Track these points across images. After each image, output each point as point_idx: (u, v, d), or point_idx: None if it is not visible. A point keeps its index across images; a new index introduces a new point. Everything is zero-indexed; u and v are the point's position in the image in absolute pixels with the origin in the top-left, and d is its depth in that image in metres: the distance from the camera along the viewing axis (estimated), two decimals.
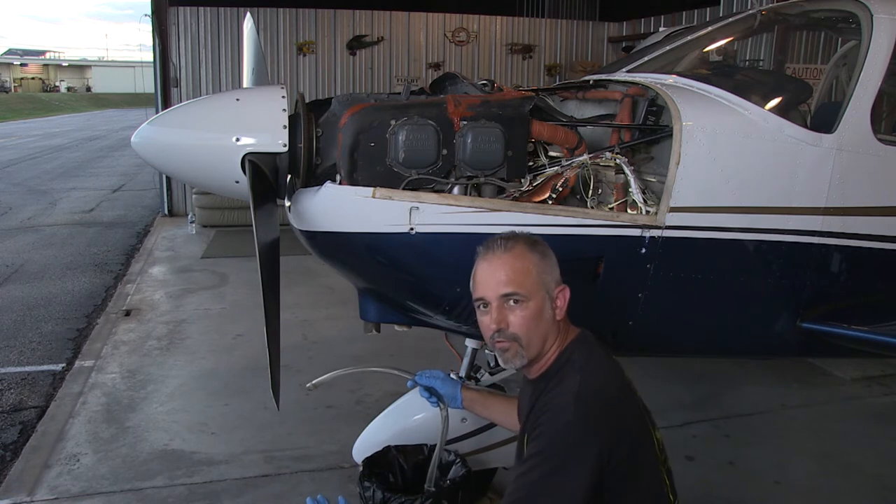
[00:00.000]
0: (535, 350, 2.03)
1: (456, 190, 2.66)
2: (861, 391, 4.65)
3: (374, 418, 3.44)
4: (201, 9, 10.30)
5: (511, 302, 2.00)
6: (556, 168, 2.77)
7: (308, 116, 2.67)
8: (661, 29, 9.15)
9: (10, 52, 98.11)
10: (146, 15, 10.28)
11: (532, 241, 2.10)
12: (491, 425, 3.03)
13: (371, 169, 2.57)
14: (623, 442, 1.83)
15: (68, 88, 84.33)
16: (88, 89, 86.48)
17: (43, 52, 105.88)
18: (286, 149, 2.59)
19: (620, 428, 1.84)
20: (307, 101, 2.75)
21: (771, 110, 2.94)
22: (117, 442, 3.82)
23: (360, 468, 2.90)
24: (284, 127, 2.59)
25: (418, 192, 2.58)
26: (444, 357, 3.36)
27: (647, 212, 2.71)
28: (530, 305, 2.00)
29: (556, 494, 1.75)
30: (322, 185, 2.62)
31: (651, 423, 2.00)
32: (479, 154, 2.61)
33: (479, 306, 2.09)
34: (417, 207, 2.55)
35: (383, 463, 2.91)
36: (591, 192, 2.74)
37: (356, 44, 11.01)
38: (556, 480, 1.76)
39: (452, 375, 3.46)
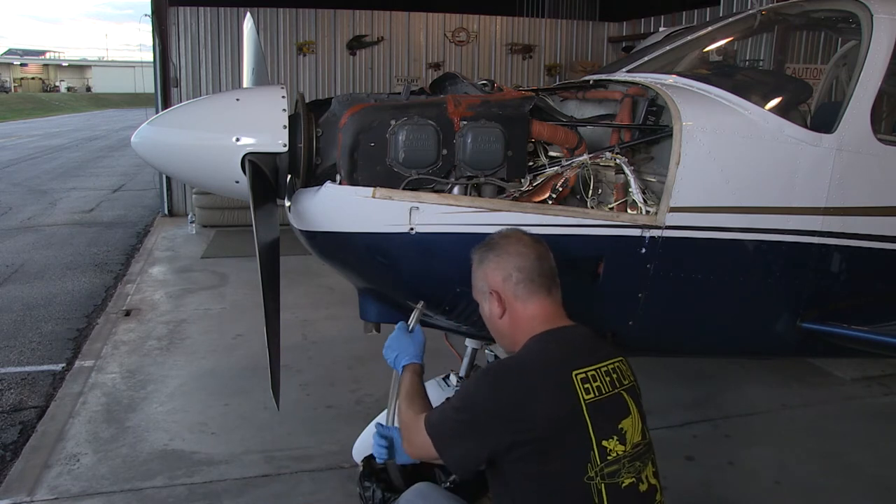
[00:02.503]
0: (504, 344, 2.20)
1: (456, 190, 2.66)
2: (861, 391, 4.65)
3: (374, 418, 3.45)
4: (201, 9, 10.29)
5: None
6: (556, 168, 2.77)
7: (308, 116, 2.67)
8: (661, 29, 9.14)
9: (10, 52, 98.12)
10: (146, 15, 10.27)
11: (477, 250, 2.23)
12: None
13: (371, 169, 2.58)
14: (522, 427, 1.87)
15: (68, 88, 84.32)
16: (88, 89, 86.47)
17: (43, 52, 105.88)
18: (286, 149, 2.59)
19: (520, 413, 1.87)
20: (307, 101, 2.76)
21: (771, 110, 2.94)
22: (117, 442, 3.82)
23: (360, 468, 2.90)
24: (284, 127, 2.59)
25: (418, 192, 2.59)
26: (445, 357, 3.36)
27: (647, 212, 2.71)
28: (481, 308, 2.21)
29: (451, 430, 1.98)
30: (322, 185, 2.62)
31: (601, 430, 1.89)
32: (479, 154, 2.61)
33: None
34: (417, 207, 2.55)
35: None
36: (591, 192, 2.74)
37: (356, 44, 11.01)
38: (455, 417, 1.98)
39: (453, 377, 3.47)
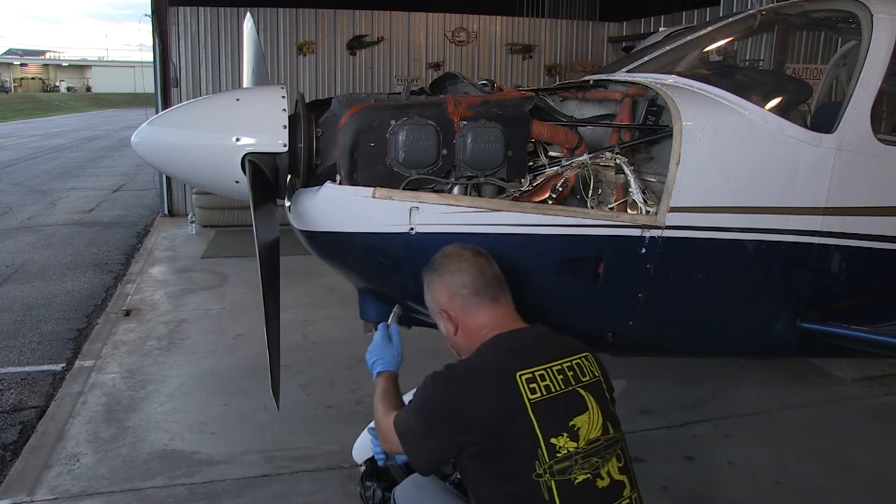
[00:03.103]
0: (464, 354, 2.24)
1: (456, 190, 2.66)
2: (861, 391, 4.65)
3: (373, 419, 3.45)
4: (201, 9, 10.29)
5: None
6: (556, 168, 2.78)
7: (308, 116, 2.67)
8: (661, 29, 9.14)
9: (10, 52, 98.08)
10: (146, 15, 10.27)
11: (424, 273, 2.32)
12: None
13: (371, 169, 2.58)
14: (468, 428, 1.94)
15: (68, 88, 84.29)
16: (88, 89, 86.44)
17: (43, 52, 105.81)
18: (286, 149, 2.60)
19: (465, 415, 1.95)
20: (307, 101, 2.76)
21: (771, 110, 2.94)
22: (117, 442, 3.82)
23: (361, 468, 2.90)
24: (284, 127, 2.59)
25: (418, 192, 2.59)
26: (444, 357, 3.36)
27: (647, 212, 2.71)
28: (439, 328, 2.30)
29: (412, 425, 2.06)
30: (322, 185, 2.62)
31: (548, 428, 1.92)
32: (479, 154, 2.61)
33: None
34: (417, 207, 2.55)
35: None
36: (591, 192, 2.74)
37: (356, 44, 11.01)
38: (414, 419, 2.05)
39: None
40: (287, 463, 3.62)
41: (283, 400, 2.51)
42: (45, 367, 5.00)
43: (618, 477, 1.99)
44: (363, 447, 3.28)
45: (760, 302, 3.03)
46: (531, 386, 1.95)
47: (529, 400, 1.93)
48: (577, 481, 1.91)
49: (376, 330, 3.07)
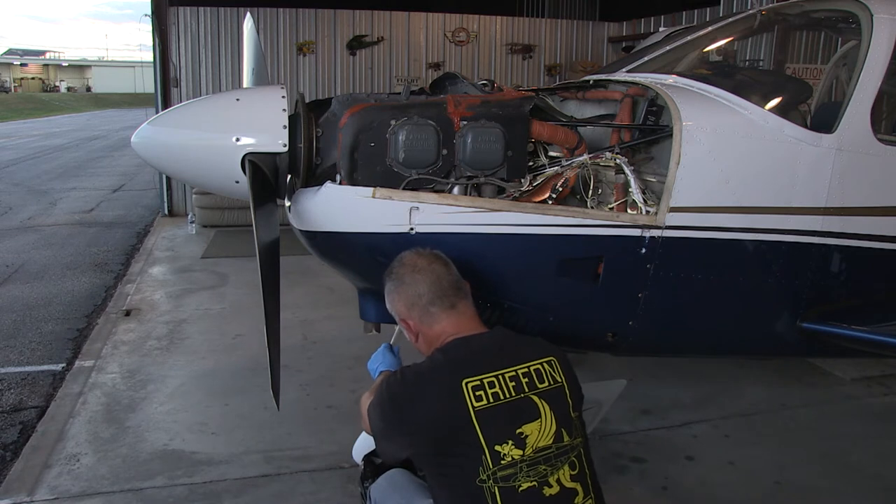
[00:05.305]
0: None
1: (456, 190, 2.66)
2: (861, 391, 4.64)
3: None
4: (201, 9, 10.29)
5: None
6: (556, 168, 2.78)
7: (308, 116, 2.67)
8: (661, 29, 9.14)
9: (10, 52, 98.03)
10: (146, 15, 10.26)
11: (384, 281, 2.35)
12: None
13: (371, 169, 2.58)
14: (413, 431, 1.99)
15: (68, 88, 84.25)
16: (88, 89, 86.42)
17: (43, 52, 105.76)
18: (286, 149, 2.60)
19: (409, 420, 1.99)
20: (307, 101, 2.76)
21: (771, 110, 2.94)
22: (117, 442, 3.82)
23: (361, 467, 2.90)
24: (284, 127, 2.59)
25: (418, 192, 2.59)
26: None
27: (647, 212, 2.71)
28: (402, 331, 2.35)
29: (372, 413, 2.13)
30: (322, 185, 2.62)
31: (493, 435, 1.93)
32: (479, 154, 2.61)
33: None
34: (417, 207, 2.55)
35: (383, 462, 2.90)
36: (591, 192, 2.74)
37: (356, 44, 11.01)
38: (373, 414, 2.12)
39: None
40: (287, 463, 3.61)
41: (283, 400, 2.51)
42: (45, 367, 5.00)
43: (569, 484, 1.98)
44: (362, 447, 3.29)
45: (761, 302, 3.03)
46: (477, 393, 1.95)
47: (474, 407, 1.93)
48: (521, 489, 1.91)
49: (377, 331, 3.11)
